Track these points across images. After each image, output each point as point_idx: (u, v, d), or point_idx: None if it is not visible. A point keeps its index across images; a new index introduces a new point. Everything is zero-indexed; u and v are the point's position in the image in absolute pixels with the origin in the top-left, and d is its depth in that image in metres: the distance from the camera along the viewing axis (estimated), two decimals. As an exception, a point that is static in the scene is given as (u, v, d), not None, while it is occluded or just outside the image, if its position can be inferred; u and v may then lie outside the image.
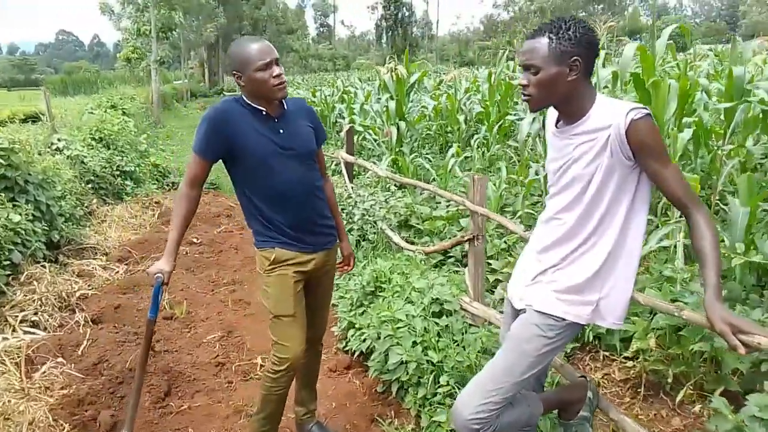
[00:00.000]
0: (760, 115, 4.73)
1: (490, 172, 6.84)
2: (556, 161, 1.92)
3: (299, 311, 2.53)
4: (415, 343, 3.14)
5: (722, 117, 4.92)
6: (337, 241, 2.74)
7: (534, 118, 5.14)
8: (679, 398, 2.97)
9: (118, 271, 5.36)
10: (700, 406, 2.93)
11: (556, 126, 1.94)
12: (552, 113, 2.01)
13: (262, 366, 3.82)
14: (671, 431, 2.86)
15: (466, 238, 3.41)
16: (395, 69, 7.34)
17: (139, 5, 20.50)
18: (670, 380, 3.02)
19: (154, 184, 8.84)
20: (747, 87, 4.51)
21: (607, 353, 3.48)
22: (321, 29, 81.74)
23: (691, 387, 2.98)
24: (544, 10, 71.84)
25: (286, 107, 2.45)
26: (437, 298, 3.39)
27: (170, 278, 2.39)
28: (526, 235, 2.83)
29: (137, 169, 8.29)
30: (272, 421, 2.66)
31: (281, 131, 2.42)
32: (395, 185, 6.15)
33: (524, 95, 1.88)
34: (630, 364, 3.27)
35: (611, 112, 1.74)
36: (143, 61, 22.33)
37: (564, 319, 1.87)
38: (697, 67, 6.35)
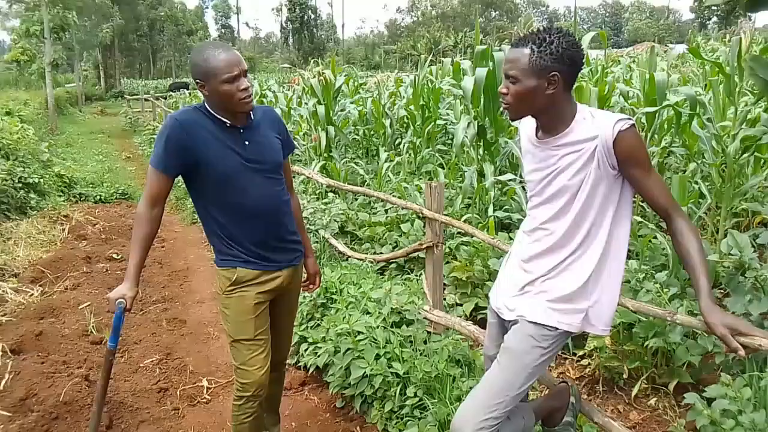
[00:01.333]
0: (674, 119, 5.06)
1: (421, 176, 6.88)
2: (539, 171, 1.92)
3: (262, 334, 2.40)
4: (378, 356, 3.07)
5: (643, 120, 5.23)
6: (303, 258, 2.62)
7: (469, 123, 5.21)
8: (634, 393, 3.09)
9: (32, 294, 4.89)
10: (655, 399, 3.07)
11: (536, 136, 1.93)
12: (528, 123, 2.01)
13: (208, 389, 3.62)
14: (630, 426, 2.96)
15: (424, 246, 3.38)
16: (322, 73, 7.23)
17: (29, 4, 19.01)
18: (625, 376, 3.14)
19: (60, 196, 8.20)
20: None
21: (560, 353, 3.57)
22: (223, 30, 79.54)
23: (645, 381, 3.11)
24: (446, 15, 73.97)
25: (252, 117, 2.31)
26: (396, 308, 3.33)
27: (132, 304, 2.18)
28: (494, 242, 2.84)
29: (41, 180, 7.64)
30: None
31: (247, 143, 2.28)
32: (332, 191, 6.04)
33: (503, 103, 1.87)
34: (585, 362, 3.36)
35: (596, 124, 1.76)
36: (33, 63, 20.74)
37: (557, 329, 1.87)
38: (611, 72, 6.71)
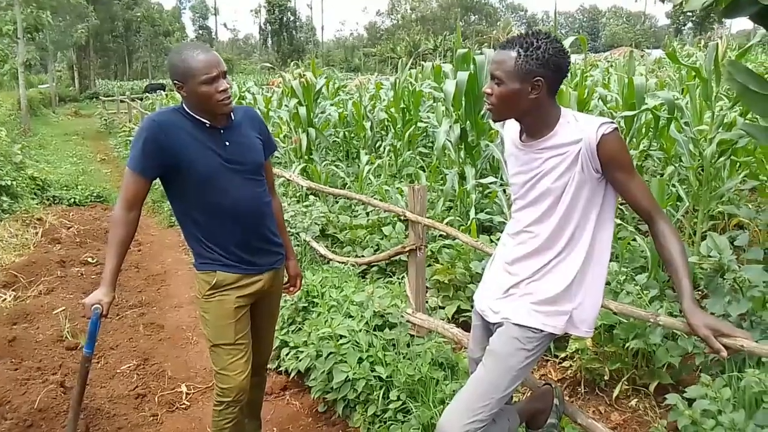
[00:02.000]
0: (652, 122, 5.13)
1: (402, 179, 6.88)
2: (523, 174, 1.92)
3: (242, 338, 2.36)
4: (361, 360, 3.04)
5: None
6: (284, 260, 2.59)
7: (450, 126, 5.22)
8: (615, 394, 3.11)
9: (5, 299, 4.77)
10: (635, 400, 3.09)
11: (520, 139, 1.93)
12: (511, 126, 2.01)
13: (187, 394, 3.56)
14: (612, 426, 2.98)
15: (407, 248, 3.36)
16: (304, 75, 7.19)
17: (1, 3, 18.60)
18: (606, 377, 3.16)
19: (34, 198, 8.02)
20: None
21: (542, 355, 3.58)
22: (200, 32, 78.96)
23: (626, 382, 3.13)
24: (426, 19, 74.35)
25: (233, 117, 2.28)
26: (379, 311, 3.31)
27: (109, 309, 2.13)
28: (477, 245, 2.83)
29: (14, 183, 7.47)
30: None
31: (227, 143, 2.24)
32: (312, 194, 6.00)
33: (487, 104, 1.87)
34: (566, 364, 3.38)
35: (580, 127, 1.77)
36: (5, 63, 20.27)
37: (542, 330, 1.87)
38: (590, 76, 6.78)
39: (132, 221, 2.19)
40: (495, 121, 1.96)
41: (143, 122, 2.20)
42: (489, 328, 2.04)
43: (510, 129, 2.00)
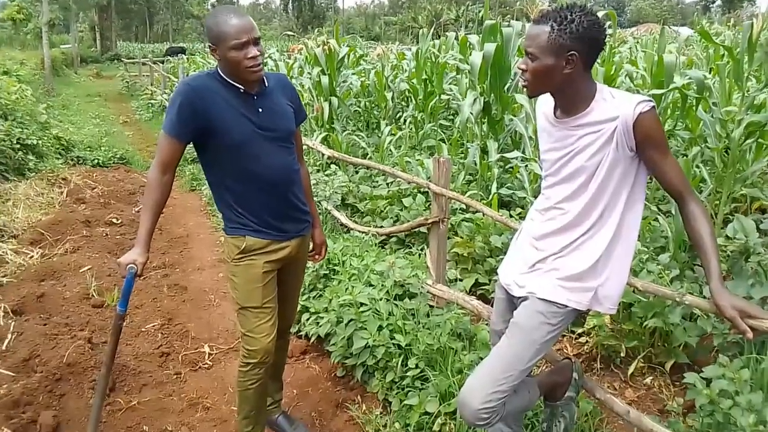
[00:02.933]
0: (679, 102, 5.06)
1: (422, 151, 6.86)
2: (556, 151, 1.92)
3: (269, 302, 2.42)
4: (381, 327, 3.10)
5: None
6: (311, 228, 2.63)
7: (475, 100, 5.19)
8: (630, 371, 3.14)
9: (32, 256, 4.90)
10: (650, 378, 3.12)
11: (554, 115, 1.93)
12: (545, 101, 2.00)
13: (210, 355, 3.66)
14: (626, 402, 3.02)
15: (430, 221, 3.39)
16: (327, 42, 7.14)
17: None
18: (622, 354, 3.19)
19: (58, 158, 8.13)
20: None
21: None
22: (222, -5, 78.17)
23: (642, 360, 3.16)
24: (449, -12, 72.98)
25: (267, 84, 2.30)
26: (399, 281, 3.36)
27: (143, 269, 2.19)
28: (503, 219, 2.85)
29: (39, 142, 7.57)
30: (256, 419, 2.55)
31: (260, 110, 2.26)
32: (333, 163, 6.02)
33: (522, 80, 1.87)
34: (583, 339, 3.41)
35: (616, 105, 1.76)
36: (29, 22, 20.36)
37: (566, 306, 1.89)
38: (618, 52, 6.67)
39: (166, 183, 2.24)
40: (530, 96, 1.95)
41: (178, 86, 2.23)
42: (513, 302, 2.07)
43: (544, 104, 2.00)
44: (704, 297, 2.96)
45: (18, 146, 7.07)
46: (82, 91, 20.36)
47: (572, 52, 1.73)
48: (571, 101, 1.83)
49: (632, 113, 1.71)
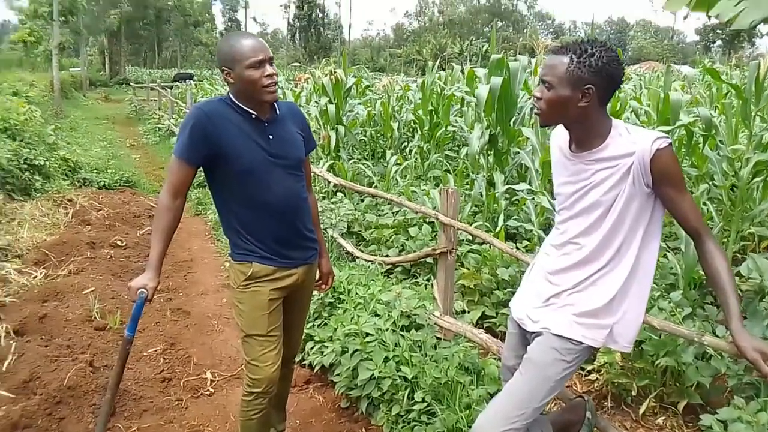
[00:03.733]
0: (685, 139, 5.08)
1: (427, 181, 6.88)
2: (571, 185, 1.91)
3: (274, 330, 2.39)
4: (387, 359, 3.06)
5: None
6: (318, 256, 2.61)
7: (482, 132, 5.22)
8: (642, 410, 3.09)
9: (36, 276, 4.87)
10: (662, 418, 3.07)
11: (570, 149, 1.93)
12: (560, 134, 2.01)
13: (212, 381, 3.61)
14: (636, 443, 2.97)
15: (438, 251, 3.38)
16: (334, 72, 7.22)
17: (38, -15, 18.97)
18: (633, 393, 3.14)
19: (65, 179, 8.15)
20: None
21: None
22: (229, 24, 79.50)
23: (654, 399, 3.11)
24: (453, 23, 74.18)
25: (278, 111, 2.31)
26: (406, 312, 3.33)
27: (153, 294, 2.17)
28: (513, 252, 2.84)
29: (47, 163, 7.61)
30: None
31: (271, 137, 2.27)
32: (339, 191, 6.03)
33: (536, 108, 1.87)
34: (593, 376, 3.36)
35: (633, 140, 1.76)
36: (40, 45, 20.66)
37: (582, 343, 1.87)
38: (622, 90, 6.73)
39: (178, 208, 2.23)
40: (542, 125, 1.96)
41: (190, 111, 2.24)
42: (525, 337, 2.04)
43: (559, 137, 2.00)
44: (717, 336, 2.95)
45: (25, 166, 7.10)
46: (91, 113, 20.52)
47: (589, 85, 1.74)
48: (586, 135, 1.83)
49: (649, 149, 1.71)
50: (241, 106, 2.22)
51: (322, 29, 67.93)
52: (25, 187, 6.96)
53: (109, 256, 5.56)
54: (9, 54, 26.33)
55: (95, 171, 9.06)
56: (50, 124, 10.51)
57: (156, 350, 3.88)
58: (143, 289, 2.13)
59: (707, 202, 4.76)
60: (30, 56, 21.73)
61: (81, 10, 21.69)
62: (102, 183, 8.60)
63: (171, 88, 21.87)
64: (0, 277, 4.67)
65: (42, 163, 7.42)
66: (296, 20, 67.41)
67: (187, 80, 28.31)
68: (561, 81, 1.76)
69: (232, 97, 2.24)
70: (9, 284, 4.61)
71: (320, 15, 67.76)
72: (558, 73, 1.76)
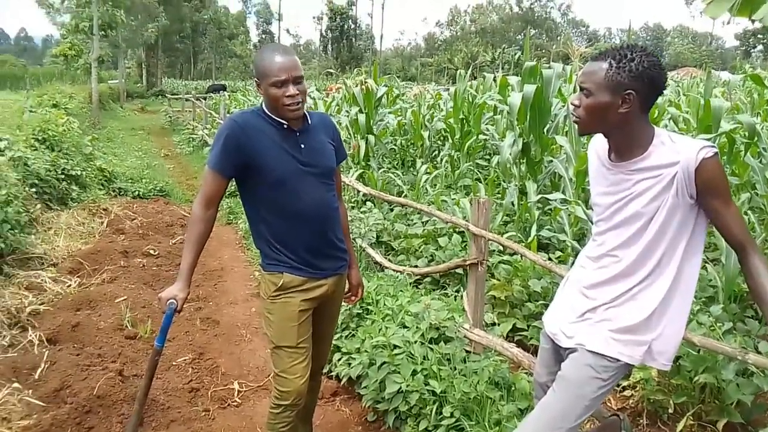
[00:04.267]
0: (726, 147, 4.92)
1: (457, 190, 6.81)
2: (611, 195, 1.84)
3: (304, 342, 2.36)
4: (415, 372, 3.00)
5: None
6: (347, 267, 2.58)
7: (514, 140, 5.14)
8: (679, 429, 2.95)
9: (70, 285, 4.95)
10: (701, 437, 2.93)
11: (609, 158, 1.86)
12: (600, 142, 1.93)
13: (239, 392, 3.59)
14: (674, 463, 2.84)
15: (468, 262, 3.31)
16: (365, 82, 7.23)
17: (80, 0, 19.52)
18: (670, 410, 3.01)
19: (101, 189, 8.33)
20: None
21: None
22: (263, 36, 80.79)
23: (691, 418, 2.97)
24: (485, 31, 74.00)
25: (309, 121, 2.29)
26: (435, 324, 3.26)
27: (183, 305, 2.17)
28: (546, 264, 2.76)
29: (83, 173, 7.78)
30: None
31: (302, 146, 2.26)
32: (369, 200, 6.00)
33: (574, 116, 1.81)
34: (628, 393, 3.24)
35: (677, 150, 1.68)
36: (80, 58, 21.28)
37: (618, 360, 1.79)
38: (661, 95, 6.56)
39: (210, 219, 2.24)
40: (581, 134, 1.89)
41: (224, 122, 2.25)
42: (559, 352, 1.97)
43: (598, 146, 1.93)
44: (760, 352, 2.81)
45: (62, 176, 7.26)
46: (127, 124, 21.01)
47: (630, 90, 1.68)
48: (627, 144, 1.76)
49: (695, 159, 1.63)
50: (273, 117, 2.22)
51: (354, 40, 68.47)
52: (62, 197, 7.11)
53: (141, 265, 5.63)
54: (50, 67, 27.22)
55: (130, 180, 9.24)
56: (87, 134, 10.75)
57: (185, 360, 3.88)
58: (173, 300, 2.14)
59: (749, 212, 4.59)
60: (70, 69, 22.38)
61: (120, 25, 22.28)
62: (136, 192, 8.75)
63: (205, 99, 22.27)
64: (35, 286, 4.75)
65: (79, 173, 7.57)
66: (329, 31, 68.09)
67: (220, 91, 28.83)
68: (600, 87, 1.70)
69: (264, 107, 2.24)
70: (44, 292, 4.69)
71: (352, 26, 68.34)
72: (597, 79, 1.70)
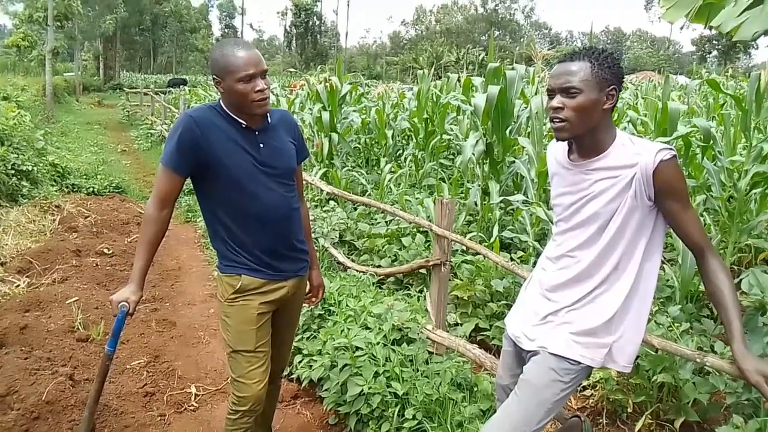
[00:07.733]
0: (682, 150, 5.02)
1: (421, 189, 6.80)
2: (570, 195, 1.83)
3: (262, 346, 2.30)
4: (377, 374, 2.96)
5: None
6: (308, 269, 2.52)
7: (477, 141, 5.14)
8: (638, 428, 2.99)
9: (18, 285, 4.74)
10: (659, 435, 2.98)
11: (568, 158, 1.85)
12: (556, 146, 1.93)
13: (196, 396, 3.50)
14: (633, 462, 2.87)
15: (431, 263, 3.28)
16: (329, 79, 7.15)
17: (33, -11, 18.89)
18: (629, 410, 3.05)
19: (53, 185, 8.02)
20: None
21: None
22: (226, 30, 79.51)
23: (650, 416, 3.02)
24: (450, 31, 74.40)
25: (269, 120, 2.22)
26: (397, 325, 3.23)
27: (135, 308, 2.08)
28: (509, 266, 2.75)
29: (35, 168, 7.48)
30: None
31: (261, 146, 2.18)
32: (332, 199, 5.94)
33: (557, 119, 1.73)
34: (588, 392, 3.27)
35: (637, 151, 1.68)
36: (34, 49, 20.56)
37: (580, 363, 1.78)
38: (620, 99, 6.68)
39: (164, 219, 2.15)
40: (564, 138, 1.77)
41: (179, 118, 2.16)
42: (521, 355, 1.96)
43: (555, 147, 1.93)
44: (715, 352, 2.87)
45: (12, 172, 6.97)
46: (83, 118, 20.37)
47: (613, 86, 1.70)
48: (593, 142, 1.75)
49: (653, 161, 1.63)
50: (231, 114, 2.14)
51: (318, 36, 67.97)
52: (12, 193, 6.83)
53: (95, 264, 5.44)
54: (2, 59, 26.19)
55: (84, 177, 8.94)
56: (40, 128, 10.38)
57: (139, 363, 3.76)
58: (125, 303, 2.05)
59: (704, 213, 4.70)
60: (23, 61, 21.60)
61: (76, 15, 21.61)
62: (91, 189, 8.47)
63: (165, 93, 21.78)
64: (-19, 286, 4.54)
65: (30, 168, 7.28)
66: (293, 27, 67.36)
67: (180, 86, 28.25)
68: (589, 84, 1.68)
69: (222, 104, 2.16)
70: (-10, 293, 4.48)
71: (317, 22, 67.83)
72: (584, 77, 1.68)
